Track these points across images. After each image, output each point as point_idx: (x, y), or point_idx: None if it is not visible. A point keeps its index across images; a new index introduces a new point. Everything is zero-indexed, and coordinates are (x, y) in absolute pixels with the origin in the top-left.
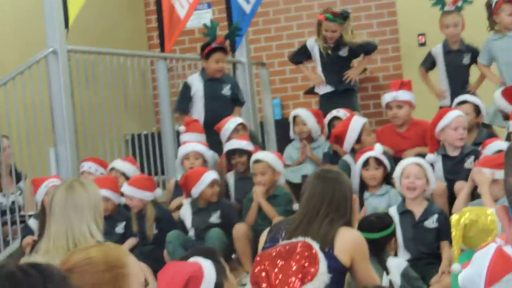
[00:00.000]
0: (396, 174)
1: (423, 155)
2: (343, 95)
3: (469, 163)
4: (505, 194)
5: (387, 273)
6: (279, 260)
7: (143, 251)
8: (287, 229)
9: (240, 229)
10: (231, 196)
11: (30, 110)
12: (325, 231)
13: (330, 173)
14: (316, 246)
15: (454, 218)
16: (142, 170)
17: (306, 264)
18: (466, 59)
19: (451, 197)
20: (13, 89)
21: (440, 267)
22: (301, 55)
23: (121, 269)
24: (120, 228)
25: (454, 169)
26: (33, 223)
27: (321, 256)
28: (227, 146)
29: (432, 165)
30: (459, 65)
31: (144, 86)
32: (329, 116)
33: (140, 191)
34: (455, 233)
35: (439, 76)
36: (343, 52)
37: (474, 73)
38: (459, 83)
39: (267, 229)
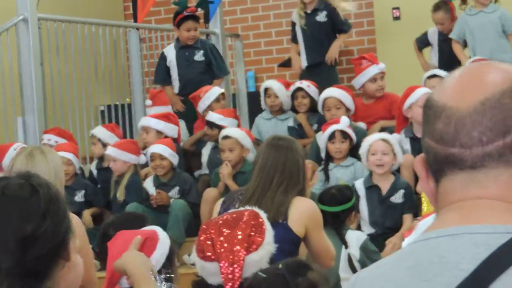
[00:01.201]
0: (363, 150)
1: (387, 129)
2: (322, 70)
3: None
4: (423, 151)
5: (346, 247)
6: (224, 229)
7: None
8: (241, 200)
9: (210, 193)
10: (203, 164)
11: None
12: (279, 202)
13: (281, 141)
14: (263, 215)
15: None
16: None
17: (252, 233)
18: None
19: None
20: None
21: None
22: (293, 33)
23: None
24: (79, 197)
25: None
26: None
27: (267, 225)
28: (207, 117)
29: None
30: (453, 54)
31: (116, 56)
32: (292, 87)
33: (125, 153)
34: (426, 209)
35: (430, 57)
36: (321, 17)
37: None
38: (448, 61)
39: (221, 200)
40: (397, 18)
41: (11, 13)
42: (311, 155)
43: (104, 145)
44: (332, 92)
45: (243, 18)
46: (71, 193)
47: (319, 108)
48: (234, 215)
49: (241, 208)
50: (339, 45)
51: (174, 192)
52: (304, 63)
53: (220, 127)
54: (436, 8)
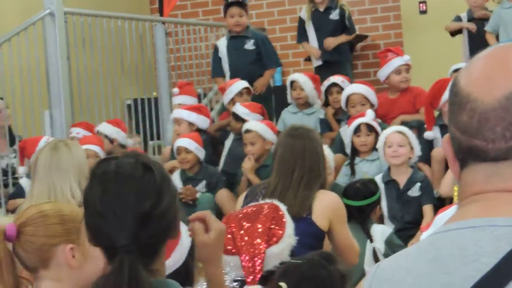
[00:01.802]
0: (380, 144)
1: (408, 123)
2: (335, 66)
3: None
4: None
5: (371, 241)
6: (245, 222)
7: None
8: (264, 194)
9: (222, 195)
10: (222, 155)
11: (26, 72)
12: (302, 196)
13: (299, 131)
14: (283, 207)
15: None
16: (139, 134)
17: (272, 226)
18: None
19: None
20: (9, 50)
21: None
22: (301, 32)
23: (74, 223)
24: None
25: None
26: (25, 182)
27: (287, 218)
28: (233, 108)
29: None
30: (480, 32)
31: (142, 50)
32: (326, 83)
33: None
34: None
35: (463, 42)
36: (334, 15)
37: None
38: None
39: (244, 194)
40: (423, 12)
41: (38, 7)
42: (336, 150)
43: (111, 141)
44: (356, 88)
45: (269, 12)
46: None
47: (343, 104)
48: (254, 209)
49: (261, 201)
50: (338, 41)
51: (201, 186)
52: (319, 60)
53: (244, 121)
54: None
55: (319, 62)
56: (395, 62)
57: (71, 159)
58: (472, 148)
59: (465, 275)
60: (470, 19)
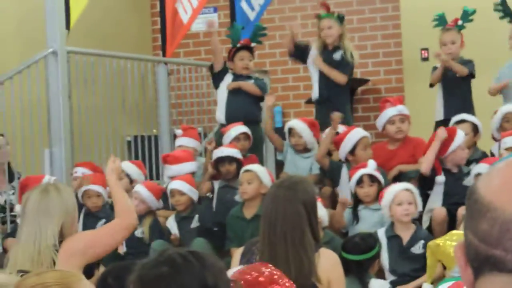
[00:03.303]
0: (386, 201)
1: (406, 173)
2: (333, 103)
3: (467, 181)
4: (465, 243)
5: None
6: None
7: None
8: (258, 253)
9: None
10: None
11: (27, 110)
12: (298, 268)
13: (285, 182)
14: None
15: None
16: None
17: None
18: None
19: (451, 220)
20: (11, 88)
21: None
22: (299, 50)
23: None
24: (101, 225)
25: (455, 184)
26: None
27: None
28: (216, 153)
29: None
30: (455, 80)
31: (143, 89)
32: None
33: (152, 197)
34: (428, 253)
35: (438, 91)
36: (337, 56)
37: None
38: (455, 98)
39: (239, 251)
40: (425, 59)
41: (41, 46)
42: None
43: (131, 181)
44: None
45: (271, 53)
46: (95, 220)
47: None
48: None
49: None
50: (326, 69)
51: (195, 221)
52: (315, 94)
53: (237, 161)
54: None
55: (316, 95)
56: (388, 112)
57: (60, 203)
58: (490, 257)
59: None
60: (445, 67)
